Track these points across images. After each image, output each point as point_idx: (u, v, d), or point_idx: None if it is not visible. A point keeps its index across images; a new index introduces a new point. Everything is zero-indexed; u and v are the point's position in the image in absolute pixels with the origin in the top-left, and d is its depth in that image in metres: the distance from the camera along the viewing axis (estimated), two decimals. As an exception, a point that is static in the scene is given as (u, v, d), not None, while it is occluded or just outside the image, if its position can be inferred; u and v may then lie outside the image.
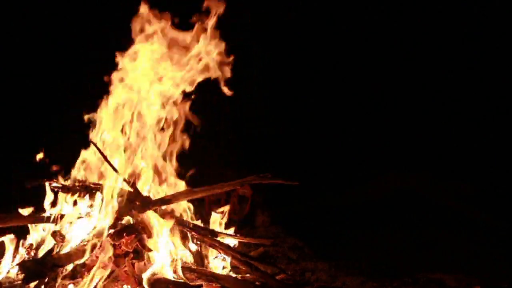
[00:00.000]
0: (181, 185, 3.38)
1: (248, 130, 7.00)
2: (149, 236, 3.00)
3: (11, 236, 3.06)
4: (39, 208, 3.21)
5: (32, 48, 6.53)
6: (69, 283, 2.72)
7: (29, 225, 3.14)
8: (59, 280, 2.67)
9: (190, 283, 2.83)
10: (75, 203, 3.16)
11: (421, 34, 7.50)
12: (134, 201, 3.09)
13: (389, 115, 7.58)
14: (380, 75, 7.67)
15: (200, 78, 3.37)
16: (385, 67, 7.63)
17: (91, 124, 3.32)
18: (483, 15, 7.11)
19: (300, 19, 7.66)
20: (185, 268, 2.88)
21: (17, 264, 2.58)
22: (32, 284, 2.66)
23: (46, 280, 2.62)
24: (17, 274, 2.84)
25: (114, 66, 3.40)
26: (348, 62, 7.63)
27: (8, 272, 2.90)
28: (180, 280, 2.81)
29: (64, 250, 2.86)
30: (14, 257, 3.01)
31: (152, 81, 3.34)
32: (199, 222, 3.37)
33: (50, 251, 2.89)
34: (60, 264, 2.67)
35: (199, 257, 3.05)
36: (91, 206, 3.08)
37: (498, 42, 7.05)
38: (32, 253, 3.00)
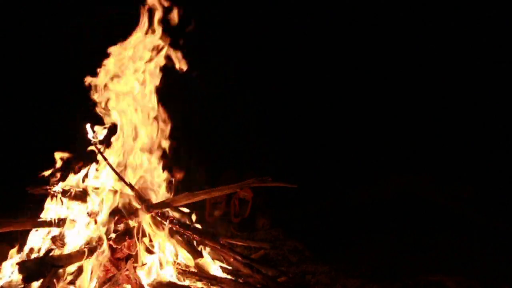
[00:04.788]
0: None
1: (249, 132, 7.01)
2: (150, 239, 3.01)
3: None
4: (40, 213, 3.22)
5: (31, 49, 6.56)
6: (70, 286, 2.74)
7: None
8: (60, 284, 2.68)
9: (191, 286, 2.84)
10: (75, 207, 3.17)
11: (422, 35, 7.51)
12: (135, 205, 3.11)
13: (390, 117, 7.58)
14: (382, 77, 7.68)
15: None
16: (386, 70, 7.64)
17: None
18: (483, 15, 7.12)
19: (300, 19, 7.67)
20: (186, 271, 2.89)
21: (17, 264, 2.59)
22: (34, 285, 2.68)
23: (47, 281, 2.63)
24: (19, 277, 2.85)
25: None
26: (349, 64, 7.64)
27: (10, 277, 2.91)
28: (182, 283, 2.82)
29: (65, 252, 2.87)
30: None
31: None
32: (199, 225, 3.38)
33: (50, 251, 2.90)
34: (60, 265, 2.68)
35: (200, 260, 3.05)
36: (92, 210, 3.09)
37: (500, 44, 7.05)
38: (32, 257, 3.00)
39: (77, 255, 2.82)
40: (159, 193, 3.36)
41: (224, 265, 3.20)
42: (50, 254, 2.86)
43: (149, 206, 3.08)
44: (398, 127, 7.42)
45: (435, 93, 7.52)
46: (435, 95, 7.50)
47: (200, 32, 6.78)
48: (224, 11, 7.19)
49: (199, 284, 2.83)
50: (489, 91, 7.08)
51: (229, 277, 3.04)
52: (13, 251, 3.10)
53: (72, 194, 3.17)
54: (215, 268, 3.12)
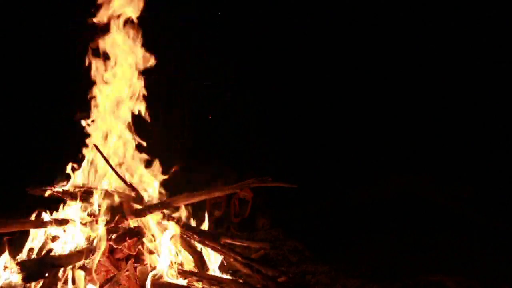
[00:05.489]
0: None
1: (249, 132, 7.02)
2: (151, 239, 3.01)
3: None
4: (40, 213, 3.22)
5: (31, 49, 6.56)
6: (70, 287, 2.73)
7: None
8: (59, 285, 2.67)
9: (192, 287, 2.84)
10: (76, 207, 3.17)
11: (422, 35, 7.51)
12: (135, 205, 3.11)
13: (390, 117, 7.59)
14: (382, 77, 7.68)
15: None
16: (386, 70, 7.65)
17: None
18: (483, 15, 7.12)
19: (300, 19, 7.68)
20: (187, 272, 2.89)
21: (16, 264, 2.58)
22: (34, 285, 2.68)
23: (47, 281, 2.63)
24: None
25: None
26: (349, 64, 7.64)
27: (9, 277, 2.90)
28: (182, 284, 2.81)
29: (65, 253, 2.87)
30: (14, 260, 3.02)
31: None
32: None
33: (50, 251, 2.90)
34: (60, 264, 2.68)
35: (200, 261, 3.06)
36: (92, 210, 3.09)
37: (500, 44, 7.04)
38: (32, 257, 3.00)
39: (77, 255, 2.82)
40: (159, 193, 3.37)
41: (224, 265, 3.19)
42: (50, 254, 2.86)
43: (149, 206, 3.09)
44: (398, 127, 7.42)
45: (435, 93, 7.52)
46: (435, 95, 7.50)
47: (201, 32, 6.81)
48: (224, 11, 7.20)
49: (199, 284, 2.83)
50: (489, 91, 7.08)
51: (229, 277, 3.04)
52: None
53: (73, 194, 3.17)
54: (215, 267, 3.12)
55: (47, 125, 6.21)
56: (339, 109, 7.64)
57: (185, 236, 3.11)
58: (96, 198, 3.11)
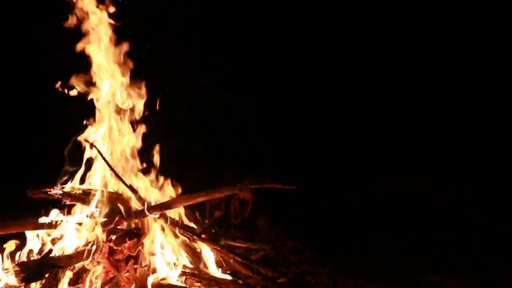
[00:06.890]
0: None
1: (249, 132, 7.01)
2: (151, 240, 3.02)
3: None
4: (41, 214, 3.22)
5: (31, 49, 6.55)
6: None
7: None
8: (60, 285, 2.68)
9: (191, 287, 2.84)
10: (76, 208, 3.17)
11: (422, 35, 7.51)
12: (135, 206, 3.11)
13: (390, 117, 7.59)
14: (382, 77, 7.68)
15: None
16: (387, 70, 7.64)
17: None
18: (483, 15, 7.12)
19: (300, 19, 7.67)
20: (186, 273, 2.89)
21: (17, 264, 2.59)
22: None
23: (47, 282, 2.64)
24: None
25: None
26: (349, 64, 7.64)
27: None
28: (182, 285, 2.82)
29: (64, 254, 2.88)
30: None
31: None
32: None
33: (50, 251, 2.91)
34: (61, 265, 2.68)
35: (200, 262, 3.06)
36: (92, 211, 3.09)
37: (500, 44, 7.04)
38: (32, 258, 3.00)
39: (77, 256, 2.82)
40: (159, 194, 3.36)
41: (224, 266, 3.20)
42: (50, 255, 2.87)
43: (149, 207, 3.09)
44: (398, 127, 7.42)
45: (435, 93, 7.52)
46: (435, 95, 7.49)
47: (201, 32, 6.80)
48: (224, 11, 7.19)
49: (198, 285, 2.83)
50: (489, 91, 7.08)
51: (228, 278, 3.04)
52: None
53: (73, 195, 3.17)
54: (214, 268, 3.12)
55: (47, 125, 6.20)
56: (339, 109, 7.64)
57: (184, 237, 3.11)
58: (96, 199, 3.11)
